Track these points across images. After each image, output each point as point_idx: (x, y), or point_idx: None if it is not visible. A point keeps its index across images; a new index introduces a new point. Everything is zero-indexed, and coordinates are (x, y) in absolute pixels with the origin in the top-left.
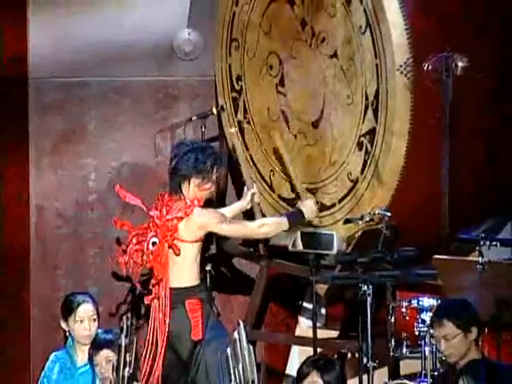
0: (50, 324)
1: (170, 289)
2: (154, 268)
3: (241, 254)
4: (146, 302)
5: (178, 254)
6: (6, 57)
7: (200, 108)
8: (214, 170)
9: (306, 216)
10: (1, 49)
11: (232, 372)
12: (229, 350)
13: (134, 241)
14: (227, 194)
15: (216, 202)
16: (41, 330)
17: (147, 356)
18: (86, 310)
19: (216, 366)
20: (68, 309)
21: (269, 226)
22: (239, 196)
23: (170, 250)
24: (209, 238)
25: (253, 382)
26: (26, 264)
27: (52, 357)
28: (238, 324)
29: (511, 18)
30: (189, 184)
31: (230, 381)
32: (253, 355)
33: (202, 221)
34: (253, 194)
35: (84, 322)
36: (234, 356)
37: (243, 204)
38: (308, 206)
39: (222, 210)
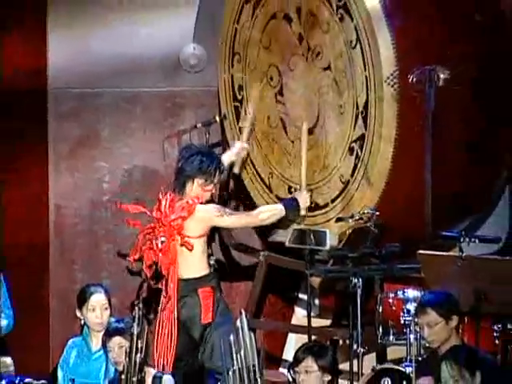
0: (68, 314)
1: (180, 280)
2: (162, 263)
3: (242, 250)
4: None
5: (191, 250)
6: (27, 69)
7: (204, 116)
8: (217, 172)
9: (300, 205)
10: (23, 62)
11: (234, 357)
12: (232, 336)
13: (145, 239)
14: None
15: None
16: (59, 319)
17: (160, 342)
18: (98, 299)
19: (220, 349)
20: (82, 298)
21: (266, 214)
22: (241, 200)
23: (178, 247)
24: (212, 235)
25: (253, 366)
26: (46, 259)
27: (70, 343)
28: (241, 313)
29: (487, 34)
30: (192, 184)
31: (233, 365)
32: (254, 342)
33: (204, 215)
34: (242, 148)
35: (96, 310)
36: (237, 342)
37: (230, 155)
38: (303, 197)
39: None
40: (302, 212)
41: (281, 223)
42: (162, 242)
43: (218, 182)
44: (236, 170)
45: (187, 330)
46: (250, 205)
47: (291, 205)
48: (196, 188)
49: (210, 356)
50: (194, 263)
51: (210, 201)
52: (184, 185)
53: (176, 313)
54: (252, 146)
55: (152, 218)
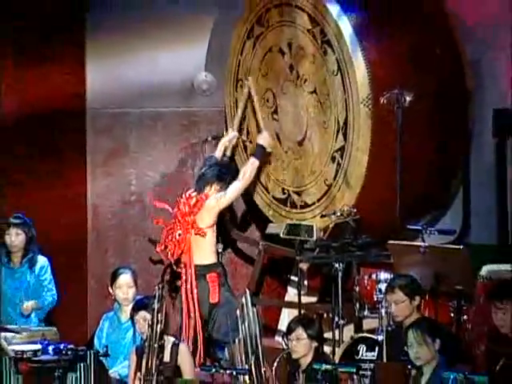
0: (102, 292)
1: (195, 266)
2: (182, 253)
3: (244, 240)
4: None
5: (204, 237)
6: (70, 93)
7: (214, 131)
8: (231, 181)
9: (266, 146)
10: (66, 88)
11: (240, 328)
12: (238, 311)
13: (168, 233)
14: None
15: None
16: (95, 296)
17: (184, 316)
18: (124, 279)
19: (225, 324)
20: (112, 278)
21: (248, 172)
22: (247, 204)
23: (193, 238)
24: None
25: (255, 335)
26: (84, 247)
27: (103, 316)
28: (245, 292)
29: (444, 65)
30: (210, 188)
31: (238, 334)
32: (256, 315)
33: (209, 205)
34: (234, 135)
35: (122, 288)
36: (242, 316)
37: (224, 141)
38: (265, 137)
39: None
40: (269, 150)
41: (275, 218)
42: (179, 235)
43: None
44: (228, 153)
45: (198, 308)
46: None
47: (260, 152)
48: (213, 192)
49: (218, 330)
50: (204, 253)
51: None
52: (203, 188)
53: (195, 295)
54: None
55: (172, 215)
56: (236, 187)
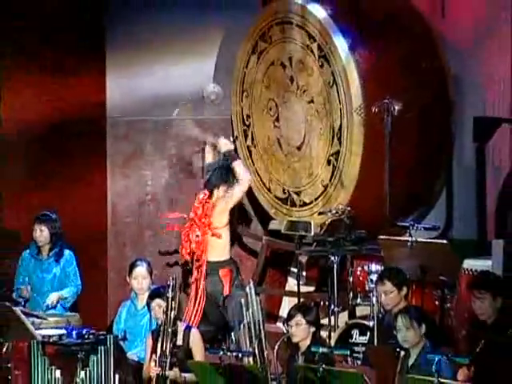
0: (121, 282)
1: (209, 262)
2: (196, 252)
3: (249, 235)
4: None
5: (219, 237)
6: (91, 103)
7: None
8: (234, 181)
9: (229, 147)
10: (88, 98)
11: (245, 314)
12: (243, 300)
13: (185, 235)
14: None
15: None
16: (114, 286)
17: (190, 306)
18: (139, 270)
19: (232, 313)
20: (129, 270)
21: (242, 175)
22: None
23: (209, 238)
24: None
25: (259, 321)
26: (105, 242)
27: (122, 304)
28: (249, 282)
29: (430, 78)
30: (218, 190)
31: (243, 320)
32: (259, 303)
33: (219, 209)
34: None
35: (138, 278)
36: (246, 303)
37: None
38: (221, 141)
39: None
40: (232, 147)
41: (277, 215)
42: (197, 236)
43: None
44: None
45: (214, 300)
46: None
47: (235, 154)
48: (221, 194)
49: (232, 317)
50: (219, 250)
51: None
52: (212, 191)
53: (203, 287)
54: (256, 159)
55: (188, 219)
56: (239, 189)
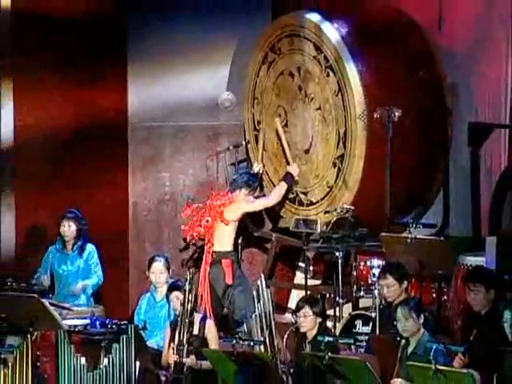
0: (141, 276)
1: (214, 251)
2: (206, 236)
3: (260, 232)
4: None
5: (227, 224)
6: (113, 109)
7: (234, 141)
8: (257, 189)
9: (294, 175)
10: (111, 105)
11: (256, 306)
12: (254, 292)
13: (197, 219)
14: None
15: None
16: (135, 280)
17: (200, 292)
18: (156, 265)
19: (238, 301)
20: (148, 264)
21: (276, 194)
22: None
23: (217, 225)
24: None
25: (269, 312)
26: (126, 239)
27: (142, 296)
28: (260, 276)
29: (427, 85)
30: (239, 192)
31: (254, 311)
32: (269, 295)
33: (238, 206)
34: (259, 168)
35: (156, 273)
36: (257, 296)
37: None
38: (294, 168)
39: None
40: (296, 178)
41: (285, 214)
42: (208, 221)
43: (256, 197)
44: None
45: (214, 288)
46: None
47: (288, 178)
48: (241, 195)
49: (233, 306)
50: (223, 241)
51: None
52: (234, 191)
53: (207, 274)
54: (267, 161)
55: (205, 206)
56: (264, 202)
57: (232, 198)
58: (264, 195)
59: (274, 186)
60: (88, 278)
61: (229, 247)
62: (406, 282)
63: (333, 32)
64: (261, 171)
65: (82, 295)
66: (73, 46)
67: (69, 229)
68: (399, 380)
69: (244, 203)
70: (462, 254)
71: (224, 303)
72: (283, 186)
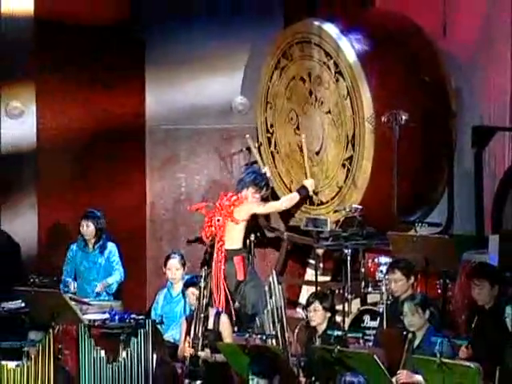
0: (158, 272)
1: (226, 249)
2: (217, 235)
3: (272, 231)
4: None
5: (237, 224)
6: (132, 113)
7: (247, 144)
8: (264, 189)
9: (309, 189)
10: (129, 108)
11: (268, 301)
12: (266, 288)
13: (209, 219)
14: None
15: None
16: (153, 276)
17: (214, 290)
18: (172, 262)
19: (250, 297)
20: (165, 261)
21: (287, 201)
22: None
23: (227, 226)
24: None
25: (281, 307)
26: (144, 236)
27: (159, 292)
28: (272, 272)
29: (432, 90)
30: (247, 190)
31: (267, 306)
32: (281, 291)
33: (248, 207)
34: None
35: (171, 269)
36: (269, 292)
37: None
38: (309, 183)
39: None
40: (310, 193)
41: (297, 211)
42: (218, 220)
43: (263, 195)
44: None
45: (226, 284)
46: None
47: (302, 190)
48: (248, 193)
49: (245, 301)
50: (234, 240)
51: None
52: (241, 189)
53: (221, 270)
54: (279, 163)
55: (215, 206)
56: (273, 206)
57: (241, 198)
58: (272, 194)
59: (285, 184)
60: (109, 275)
61: (239, 245)
62: (412, 278)
63: (342, 39)
64: (268, 173)
65: (103, 292)
66: (93, 52)
67: (87, 228)
68: (405, 371)
69: (255, 205)
70: (466, 251)
71: (236, 299)
72: (296, 197)
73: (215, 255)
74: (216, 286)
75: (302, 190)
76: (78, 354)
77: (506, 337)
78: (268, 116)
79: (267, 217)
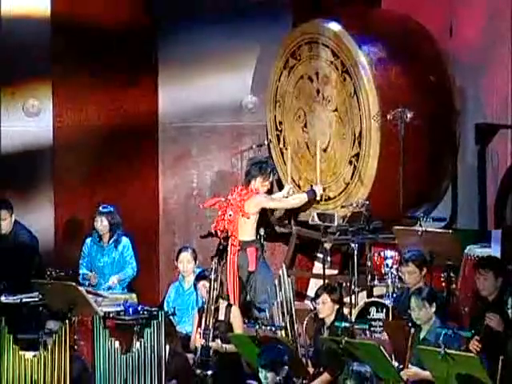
0: (170, 266)
1: (239, 241)
2: (228, 229)
3: (282, 225)
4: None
5: (248, 218)
6: (145, 111)
7: (257, 141)
8: (271, 175)
9: (317, 193)
10: (143, 107)
11: (278, 293)
12: (276, 281)
13: (221, 213)
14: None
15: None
16: (165, 269)
17: (229, 281)
18: (183, 255)
19: (260, 288)
20: (177, 255)
21: (294, 200)
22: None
23: (239, 219)
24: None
25: (290, 299)
26: (157, 230)
27: (171, 285)
28: (282, 266)
29: (438, 89)
30: (255, 181)
31: (276, 298)
32: (290, 284)
33: (258, 201)
34: (290, 188)
35: (183, 262)
36: (279, 284)
37: (283, 193)
38: (319, 188)
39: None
40: (317, 198)
41: (304, 207)
42: (230, 215)
43: (272, 181)
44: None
45: (239, 276)
46: None
47: (310, 193)
48: (257, 183)
49: (255, 291)
50: (247, 231)
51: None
52: (249, 182)
53: (235, 263)
54: (288, 160)
55: (227, 200)
56: (282, 204)
57: (251, 191)
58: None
59: (293, 180)
60: (123, 269)
61: (252, 236)
62: (425, 269)
63: (349, 39)
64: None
65: (117, 286)
66: (107, 51)
67: (101, 223)
68: (413, 369)
69: (265, 200)
70: (470, 245)
71: (247, 290)
72: (304, 198)
73: (229, 249)
74: (230, 279)
75: (310, 192)
76: (93, 344)
77: (509, 327)
78: (277, 114)
79: (273, 212)
